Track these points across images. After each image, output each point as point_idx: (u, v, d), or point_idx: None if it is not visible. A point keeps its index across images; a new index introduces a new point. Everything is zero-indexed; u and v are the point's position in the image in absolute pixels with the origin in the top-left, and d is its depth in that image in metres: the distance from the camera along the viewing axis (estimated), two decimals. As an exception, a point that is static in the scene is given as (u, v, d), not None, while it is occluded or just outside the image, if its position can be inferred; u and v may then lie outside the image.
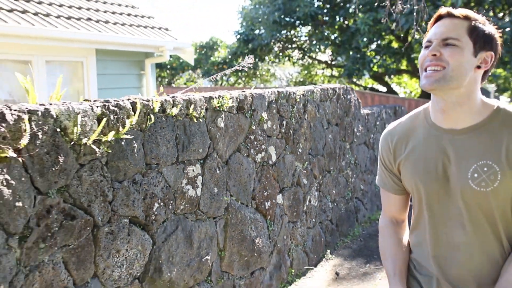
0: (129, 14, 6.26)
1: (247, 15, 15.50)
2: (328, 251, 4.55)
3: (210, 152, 2.86)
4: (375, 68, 13.86)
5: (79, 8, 5.53)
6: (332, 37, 15.56)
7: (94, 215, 2.10)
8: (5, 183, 1.71)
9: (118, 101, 2.20)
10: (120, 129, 2.16)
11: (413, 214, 1.59)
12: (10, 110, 1.74)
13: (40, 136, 1.84)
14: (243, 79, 21.17)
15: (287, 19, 13.76)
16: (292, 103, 3.83)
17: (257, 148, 3.37)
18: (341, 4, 14.05)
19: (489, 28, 1.41)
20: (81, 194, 2.03)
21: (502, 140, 1.37)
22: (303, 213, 4.12)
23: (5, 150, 1.69)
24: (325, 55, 18.03)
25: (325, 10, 13.96)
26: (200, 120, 2.74)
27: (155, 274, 2.47)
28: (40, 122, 1.84)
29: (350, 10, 13.88)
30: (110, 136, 2.10)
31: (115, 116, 2.15)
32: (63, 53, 5.19)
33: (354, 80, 16.52)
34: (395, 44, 14.69)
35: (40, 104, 1.90)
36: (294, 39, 17.02)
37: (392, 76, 17.62)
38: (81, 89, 5.38)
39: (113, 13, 5.98)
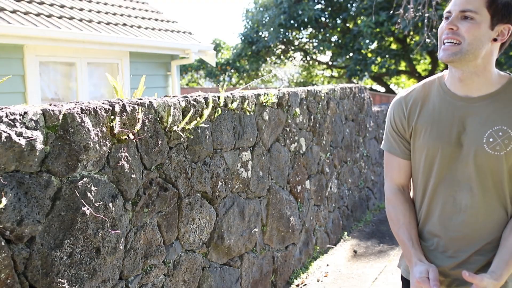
0: (156, 19, 6.76)
1: (252, 18, 16.03)
2: (345, 233, 5.07)
3: (257, 141, 3.38)
4: (375, 69, 14.40)
5: (114, 14, 6.03)
6: (333, 39, 16.11)
7: (179, 188, 2.61)
8: (125, 159, 2.22)
9: (195, 96, 2.71)
10: (198, 119, 2.67)
11: (417, 181, 1.64)
12: (129, 103, 2.25)
13: (147, 123, 2.34)
14: (245, 79, 21.68)
15: (292, 21, 14.29)
16: (318, 100, 4.36)
17: (291, 139, 3.89)
18: (343, 7, 14.60)
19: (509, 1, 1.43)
20: (170, 171, 2.54)
21: None
22: (325, 198, 4.64)
23: (126, 133, 2.19)
24: (326, 57, 18.59)
25: (327, 14, 14.51)
26: (252, 113, 3.25)
27: (218, 240, 2.98)
28: (146, 113, 2.34)
29: (352, 13, 14.44)
30: (192, 124, 2.61)
31: (195, 109, 2.66)
32: (102, 56, 5.69)
33: (354, 81, 17.08)
34: (394, 46, 15.25)
35: (145, 99, 2.41)
36: (296, 41, 17.55)
37: (390, 77, 18.13)
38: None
39: (143, 18, 6.48)
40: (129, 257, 2.28)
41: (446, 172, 1.53)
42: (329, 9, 14.58)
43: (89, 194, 2.01)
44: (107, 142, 2.10)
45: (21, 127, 1.74)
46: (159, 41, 5.99)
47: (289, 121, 3.83)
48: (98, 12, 5.80)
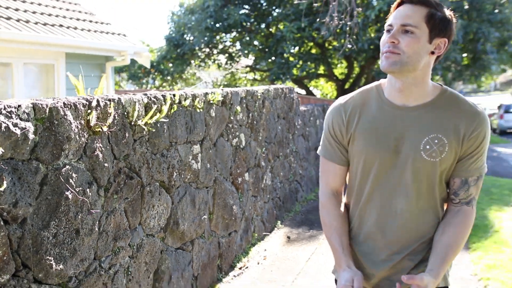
0: (90, 21, 6.81)
1: (178, 21, 16.17)
2: (279, 222, 5.53)
3: (205, 136, 3.70)
4: (297, 72, 15.16)
5: (49, 15, 6.02)
6: (256, 43, 16.71)
7: (142, 177, 2.87)
8: (99, 149, 2.45)
9: (155, 94, 2.98)
10: (158, 114, 2.95)
11: (353, 186, 1.69)
12: (102, 98, 2.49)
13: (116, 117, 2.59)
14: (169, 82, 21.69)
15: (218, 25, 14.66)
16: (255, 99, 4.76)
17: (233, 134, 4.25)
18: (266, 13, 15.23)
19: (445, 14, 1.51)
20: (135, 161, 2.80)
21: (450, 117, 1.55)
22: (261, 189, 5.06)
23: (100, 126, 2.43)
24: (249, 60, 19.18)
25: (251, 18, 15.05)
26: (201, 110, 3.57)
27: (174, 226, 3.27)
28: (116, 108, 2.59)
29: (275, 19, 15.10)
30: (153, 119, 2.88)
31: (155, 105, 2.94)
32: (39, 56, 5.68)
33: (275, 83, 17.82)
34: (314, 51, 16.15)
35: (115, 96, 2.65)
36: (220, 45, 17.95)
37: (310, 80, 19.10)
38: (51, 89, 5.89)
39: (78, 19, 6.51)
40: (102, 239, 2.52)
41: (383, 178, 1.60)
42: (254, 13, 15.13)
43: (70, 180, 2.24)
44: (85, 134, 2.34)
45: (16, 119, 1.94)
46: (96, 42, 6.07)
47: (231, 118, 4.20)
48: (34, 12, 5.77)
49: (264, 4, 14.69)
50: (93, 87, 6.50)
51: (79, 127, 2.28)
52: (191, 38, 16.18)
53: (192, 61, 18.56)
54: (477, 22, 13.30)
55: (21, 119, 1.96)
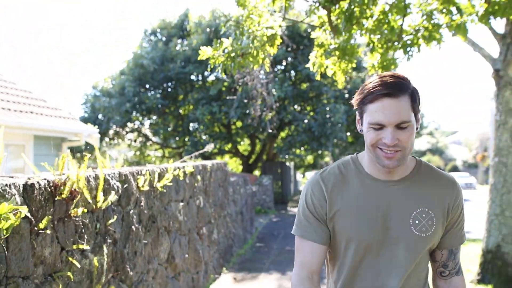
0: (48, 107, 7.96)
1: (93, 104, 17.30)
2: (224, 268, 6.90)
3: (184, 196, 5.13)
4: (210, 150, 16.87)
5: (18, 103, 7.13)
6: (169, 123, 18.34)
7: (158, 223, 4.22)
8: (142, 201, 3.82)
9: (162, 166, 4.41)
10: (165, 180, 4.37)
11: (340, 266, 1.59)
12: (149, 169, 3.89)
13: (146, 182, 3.98)
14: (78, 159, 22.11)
15: (137, 108, 16.09)
16: (207, 171, 6.29)
17: (196, 197, 5.71)
18: (179, 98, 17.05)
19: (415, 88, 1.46)
20: (155, 211, 4.16)
21: (432, 189, 1.53)
22: (212, 241, 6.45)
23: (143, 186, 3.81)
24: (159, 139, 20.63)
25: (167, 102, 16.74)
26: (182, 178, 5.02)
27: (171, 259, 4.57)
28: (149, 174, 3.99)
29: (187, 103, 16.94)
30: (162, 183, 4.30)
31: (163, 174, 4.36)
32: (10, 138, 6.71)
33: (186, 160, 19.34)
34: (223, 130, 18.13)
35: (139, 168, 4.07)
36: (133, 125, 19.27)
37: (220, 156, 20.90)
38: (22, 166, 6.88)
39: (39, 106, 7.65)
40: (143, 260, 3.81)
41: (373, 256, 1.52)
42: (168, 98, 16.86)
43: (134, 220, 3.58)
44: (137, 191, 3.72)
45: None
46: (61, 126, 7.25)
47: (195, 184, 5.67)
48: (8, 101, 6.86)
49: (180, 90, 16.51)
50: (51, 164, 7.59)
51: (135, 187, 3.67)
52: (106, 119, 17.32)
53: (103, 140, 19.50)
54: (356, 107, 16.31)
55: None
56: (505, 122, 5.84)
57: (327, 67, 5.16)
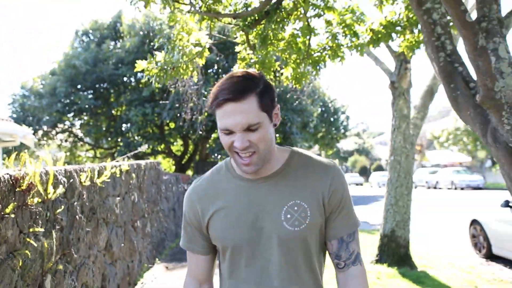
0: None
1: (23, 104, 17.06)
2: (157, 258, 7.48)
3: (121, 192, 5.69)
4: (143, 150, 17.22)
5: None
6: (101, 124, 18.44)
7: (97, 214, 4.77)
8: (83, 194, 4.37)
9: (100, 165, 4.96)
10: (103, 176, 4.92)
11: (224, 270, 1.56)
12: (81, 167, 4.44)
13: (87, 178, 4.54)
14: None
15: (68, 109, 16.12)
16: (141, 170, 6.85)
17: (131, 192, 6.27)
18: (112, 98, 17.24)
19: (265, 81, 1.40)
20: (95, 204, 4.71)
21: (304, 180, 1.48)
22: (146, 234, 7.03)
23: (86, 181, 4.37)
24: (90, 139, 20.61)
25: (100, 102, 16.89)
26: (118, 176, 5.58)
27: (109, 247, 5.13)
28: (89, 171, 4.54)
29: (120, 104, 17.18)
30: (101, 179, 4.85)
31: (102, 171, 4.92)
32: None
33: (118, 160, 19.51)
34: (156, 131, 18.51)
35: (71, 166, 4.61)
36: (62, 125, 19.17)
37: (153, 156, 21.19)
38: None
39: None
40: (86, 247, 4.36)
41: (252, 259, 1.48)
42: (100, 99, 17.01)
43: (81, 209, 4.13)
44: (82, 188, 4.27)
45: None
46: (-3, 127, 7.50)
47: (131, 181, 6.24)
48: None
49: (111, 91, 16.74)
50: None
51: (80, 182, 4.22)
52: (36, 119, 17.16)
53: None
54: (284, 110, 17.34)
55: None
56: (399, 126, 6.91)
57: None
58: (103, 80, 16.77)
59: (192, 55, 5.10)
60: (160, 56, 4.98)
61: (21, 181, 3.08)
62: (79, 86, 16.65)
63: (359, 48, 5.48)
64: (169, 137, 18.60)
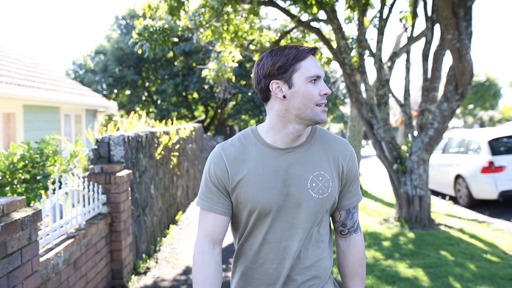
0: (81, 89, 12.34)
1: (77, 79, 21.24)
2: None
3: (190, 142, 9.95)
4: (174, 115, 21.48)
5: (56, 80, 11.57)
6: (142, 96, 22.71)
7: (180, 163, 9.04)
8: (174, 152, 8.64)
9: (180, 126, 9.21)
10: (178, 137, 9.17)
11: (245, 233, 1.64)
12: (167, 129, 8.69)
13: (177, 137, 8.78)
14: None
15: (116, 83, 20.38)
16: (195, 129, 11.08)
17: (192, 143, 10.53)
18: (150, 74, 21.42)
19: None
20: (180, 157, 8.98)
21: (327, 152, 1.62)
22: (198, 170, 11.33)
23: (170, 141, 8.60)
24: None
25: (140, 78, 21.04)
26: (189, 134, 9.82)
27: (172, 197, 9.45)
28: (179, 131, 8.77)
29: (156, 79, 21.32)
30: (173, 140, 9.11)
31: (185, 130, 9.16)
32: (71, 111, 11.16)
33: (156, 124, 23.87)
34: (180, 99, 22.69)
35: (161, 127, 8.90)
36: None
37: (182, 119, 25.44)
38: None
39: (72, 88, 12.07)
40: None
41: (276, 221, 1.59)
42: (141, 75, 21.18)
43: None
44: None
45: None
46: (96, 100, 11.72)
47: (192, 136, 10.46)
48: (45, 82, 11.26)
49: (150, 67, 20.89)
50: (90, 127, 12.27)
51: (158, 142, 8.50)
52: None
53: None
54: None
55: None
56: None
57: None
58: (142, 60, 20.82)
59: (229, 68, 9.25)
60: (212, 64, 9.10)
61: (164, 135, 7.31)
62: (124, 64, 20.73)
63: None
64: (193, 105, 22.69)
